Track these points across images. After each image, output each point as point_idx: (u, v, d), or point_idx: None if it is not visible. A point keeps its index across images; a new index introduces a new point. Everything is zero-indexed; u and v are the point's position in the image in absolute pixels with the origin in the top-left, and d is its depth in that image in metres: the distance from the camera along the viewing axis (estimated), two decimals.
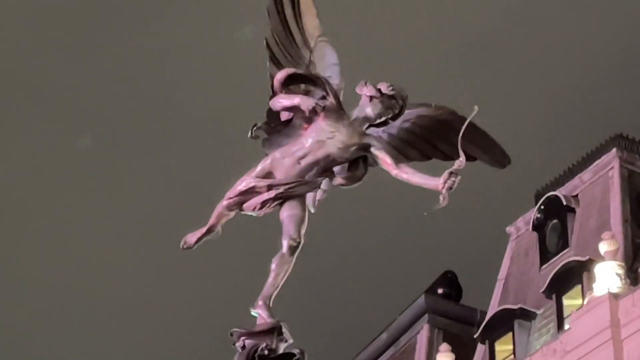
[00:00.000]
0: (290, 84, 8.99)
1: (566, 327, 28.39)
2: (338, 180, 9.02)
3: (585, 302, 27.92)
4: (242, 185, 8.89)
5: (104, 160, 61.61)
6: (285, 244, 8.72)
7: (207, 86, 60.23)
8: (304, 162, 8.85)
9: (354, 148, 8.83)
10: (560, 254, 30.31)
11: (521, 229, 32.22)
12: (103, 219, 61.09)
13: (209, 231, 9.03)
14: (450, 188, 8.40)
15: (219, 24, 58.70)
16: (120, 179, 59.61)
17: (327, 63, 9.30)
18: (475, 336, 31.30)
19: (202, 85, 60.21)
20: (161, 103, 62.77)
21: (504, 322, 30.41)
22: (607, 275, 27.41)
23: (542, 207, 31.19)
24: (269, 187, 8.85)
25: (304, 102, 8.89)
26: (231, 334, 8.46)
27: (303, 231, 8.83)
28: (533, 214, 31.46)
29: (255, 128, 9.07)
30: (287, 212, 8.85)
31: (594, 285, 27.65)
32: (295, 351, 8.46)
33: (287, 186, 8.84)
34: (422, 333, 33.77)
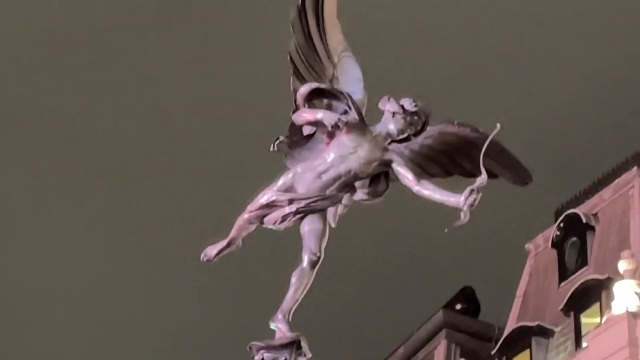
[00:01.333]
0: (313, 98, 9.04)
1: (584, 345, 28.33)
2: (359, 195, 9.04)
3: (603, 321, 27.80)
4: (263, 198, 8.92)
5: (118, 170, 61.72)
6: (305, 258, 8.77)
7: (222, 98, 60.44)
8: (325, 177, 8.87)
9: (375, 163, 8.86)
10: (579, 272, 30.30)
11: (540, 246, 32.25)
12: (117, 232, 61.32)
13: (229, 244, 9.07)
14: (471, 205, 8.46)
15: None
16: (137, 189, 59.67)
17: (350, 78, 9.32)
18: (492, 352, 31.24)
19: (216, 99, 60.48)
20: (176, 115, 63.07)
21: (521, 339, 30.40)
22: (626, 294, 27.26)
23: (562, 224, 31.16)
24: (290, 201, 8.89)
25: (327, 117, 8.90)
26: (250, 348, 8.50)
27: (324, 246, 8.88)
28: (552, 231, 31.44)
29: (277, 142, 9.09)
30: (308, 227, 8.90)
31: (613, 304, 27.48)
32: None
33: (309, 200, 8.89)
34: (440, 348, 33.80)
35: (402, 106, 8.88)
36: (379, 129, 9.00)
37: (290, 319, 8.66)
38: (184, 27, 61.77)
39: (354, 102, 9.03)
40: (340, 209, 9.06)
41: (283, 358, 8.51)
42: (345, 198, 9.03)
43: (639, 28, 52.14)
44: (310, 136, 9.20)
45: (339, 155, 8.90)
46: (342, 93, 9.08)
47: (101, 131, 61.22)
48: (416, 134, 9.01)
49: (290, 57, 9.27)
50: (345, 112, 8.99)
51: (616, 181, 30.76)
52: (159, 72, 61.52)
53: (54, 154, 62.74)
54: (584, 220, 30.55)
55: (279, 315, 8.64)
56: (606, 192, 30.94)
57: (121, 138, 61.54)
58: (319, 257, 8.85)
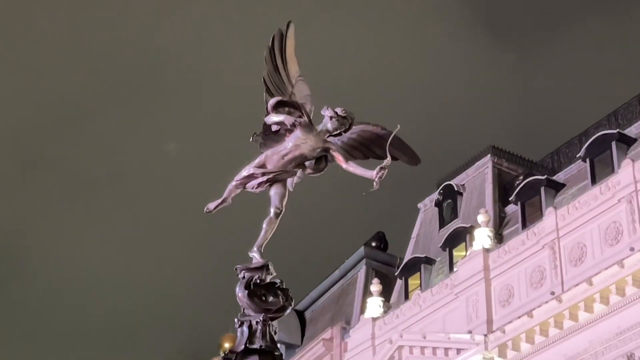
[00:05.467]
0: (278, 107, 9.51)
1: (455, 269, 29.93)
2: (308, 170, 9.55)
3: (467, 254, 29.47)
4: (245, 172, 9.47)
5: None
6: (272, 211, 9.36)
7: None
8: (286, 158, 9.42)
9: (319, 150, 9.39)
10: (452, 222, 31.94)
11: (427, 205, 33.74)
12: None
13: (223, 201, 9.56)
14: (380, 178, 8.99)
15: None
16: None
17: (302, 94, 9.76)
18: (396, 274, 32.95)
19: None
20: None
21: (414, 266, 32.01)
22: (482, 237, 29.01)
23: (441, 191, 32.83)
24: (263, 174, 9.41)
25: (287, 119, 9.44)
26: (236, 269, 9.01)
27: (284, 203, 9.40)
28: (435, 195, 33.16)
29: (255, 135, 9.65)
30: (274, 190, 9.42)
31: (474, 243, 29.26)
32: (277, 281, 8.95)
33: (275, 173, 9.42)
34: (361, 272, 34.92)
35: (336, 112, 9.39)
36: (321, 127, 9.49)
37: (262, 251, 9.16)
38: None
39: (305, 110, 9.51)
40: (295, 179, 9.57)
41: (257, 276, 8.94)
42: (299, 172, 9.53)
43: None
44: (277, 132, 9.55)
45: (295, 144, 9.37)
46: (297, 103, 9.57)
47: None
48: (345, 131, 9.45)
49: (264, 81, 9.69)
50: (299, 116, 9.43)
51: (476, 164, 32.42)
52: None
53: None
54: (456, 189, 32.36)
55: (255, 248, 9.17)
56: (470, 171, 32.61)
57: None
58: (281, 211, 9.34)
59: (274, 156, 9.36)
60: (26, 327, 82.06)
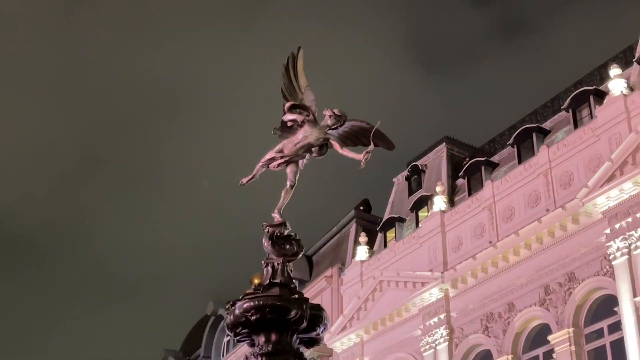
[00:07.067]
0: (292, 109, 9.20)
1: (419, 226, 29.83)
2: (314, 154, 9.19)
3: (428, 214, 29.45)
4: (269, 155, 9.21)
5: None
6: (288, 183, 9.09)
7: None
8: (298, 145, 9.11)
9: (321, 139, 9.08)
10: (418, 192, 31.68)
11: (400, 180, 33.42)
12: None
13: (253, 177, 9.26)
14: (366, 159, 8.79)
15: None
16: None
17: (309, 99, 9.39)
18: (377, 229, 32.56)
19: None
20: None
21: (390, 223, 31.80)
22: (439, 202, 28.93)
23: (410, 169, 32.61)
24: (281, 157, 9.14)
25: (299, 117, 9.14)
26: (262, 225, 8.72)
27: (297, 178, 9.12)
28: (405, 172, 32.94)
29: (275, 129, 9.29)
30: (290, 169, 9.15)
31: (433, 207, 29.22)
32: (292, 233, 8.63)
33: (290, 156, 9.13)
34: (352, 228, 34.65)
35: (334, 112, 9.06)
36: (322, 123, 9.15)
37: (281, 212, 8.86)
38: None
39: (311, 111, 9.18)
40: (304, 161, 9.23)
41: (278, 230, 8.65)
42: (307, 155, 9.16)
43: None
44: (291, 127, 9.20)
45: (304, 135, 9.07)
46: (306, 106, 9.25)
47: None
48: (340, 126, 9.13)
49: (282, 90, 9.39)
50: (307, 115, 9.13)
51: (435, 149, 32.20)
52: None
53: None
54: (420, 168, 32.17)
55: (276, 210, 8.87)
56: (430, 154, 32.35)
57: None
58: (294, 184, 9.07)
59: (289, 144, 9.12)
60: (91, 287, 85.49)
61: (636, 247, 21.71)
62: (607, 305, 22.69)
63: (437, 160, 31.88)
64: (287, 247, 8.43)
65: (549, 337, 23.62)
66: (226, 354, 39.14)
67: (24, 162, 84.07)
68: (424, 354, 27.11)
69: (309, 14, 78.25)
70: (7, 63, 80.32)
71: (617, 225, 22.20)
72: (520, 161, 27.37)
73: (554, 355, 23.40)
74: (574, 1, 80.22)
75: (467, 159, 30.36)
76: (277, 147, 9.11)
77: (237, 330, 7.79)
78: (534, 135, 27.39)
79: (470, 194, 28.74)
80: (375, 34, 77.52)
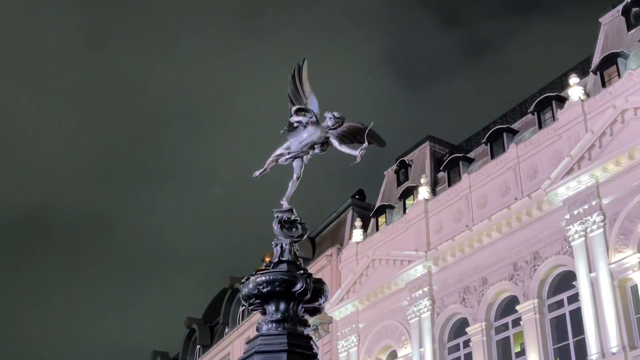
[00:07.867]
0: (298, 112, 8.98)
1: (407, 212, 29.50)
2: (317, 151, 9.00)
3: (414, 202, 29.15)
4: (278, 151, 9.00)
5: None
6: (295, 176, 8.87)
7: None
8: (302, 143, 8.91)
9: (323, 137, 8.87)
10: (405, 183, 31.28)
11: (389, 173, 32.90)
12: None
13: (264, 170, 9.02)
14: (361, 155, 8.58)
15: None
16: None
17: (313, 103, 9.14)
18: (370, 215, 32.25)
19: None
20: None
21: (382, 210, 31.41)
22: (423, 192, 28.63)
23: (398, 164, 32.24)
24: (289, 153, 8.94)
25: (303, 119, 8.93)
26: (272, 211, 8.44)
27: (302, 170, 8.92)
28: (394, 167, 32.54)
29: (283, 129, 9.02)
30: (296, 163, 8.96)
31: (419, 196, 28.84)
32: (298, 218, 8.45)
33: (296, 152, 8.93)
34: (349, 214, 34.37)
35: (334, 114, 8.84)
36: (324, 124, 8.92)
37: (288, 200, 8.67)
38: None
39: (314, 113, 8.96)
40: (309, 156, 9.02)
41: (286, 215, 8.29)
42: (311, 152, 8.97)
43: None
44: (297, 127, 9.00)
45: (308, 134, 8.88)
46: (310, 109, 9.01)
47: None
48: (339, 126, 8.89)
49: (289, 95, 9.12)
50: (311, 117, 8.91)
51: (420, 146, 31.78)
52: None
53: None
54: (407, 162, 31.74)
55: (284, 198, 8.67)
56: (416, 151, 31.82)
57: None
58: (300, 176, 8.85)
59: (295, 142, 8.93)
60: (126, 266, 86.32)
61: (591, 230, 21.69)
62: (566, 279, 22.65)
63: (421, 156, 31.64)
64: (294, 230, 8.22)
65: (517, 307, 23.56)
66: (241, 321, 39.25)
67: (67, 163, 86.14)
68: (410, 321, 26.97)
69: (305, 39, 79.36)
70: (55, 79, 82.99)
71: (575, 212, 22.23)
72: (492, 157, 27.15)
73: (521, 322, 23.34)
74: (532, 23, 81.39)
75: (447, 155, 30.09)
76: (285, 145, 8.95)
77: (251, 301, 7.78)
78: (504, 134, 27.20)
79: (450, 185, 28.48)
80: (360, 53, 78.68)
